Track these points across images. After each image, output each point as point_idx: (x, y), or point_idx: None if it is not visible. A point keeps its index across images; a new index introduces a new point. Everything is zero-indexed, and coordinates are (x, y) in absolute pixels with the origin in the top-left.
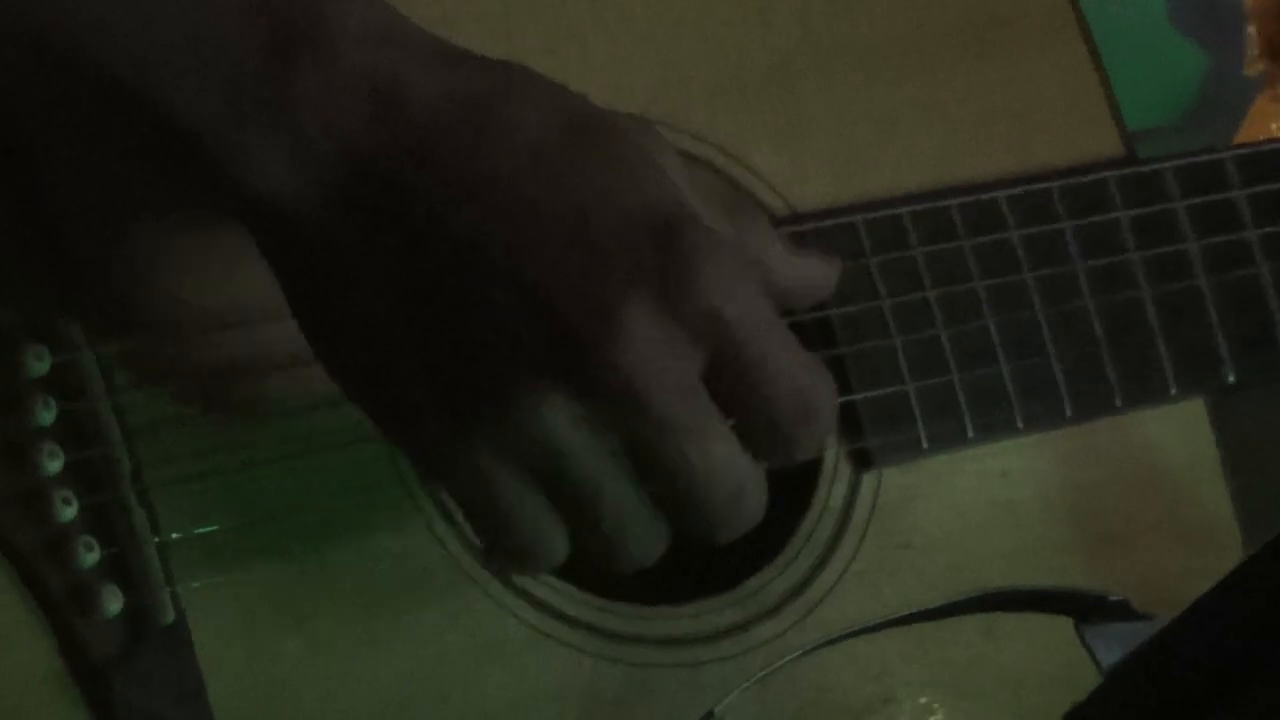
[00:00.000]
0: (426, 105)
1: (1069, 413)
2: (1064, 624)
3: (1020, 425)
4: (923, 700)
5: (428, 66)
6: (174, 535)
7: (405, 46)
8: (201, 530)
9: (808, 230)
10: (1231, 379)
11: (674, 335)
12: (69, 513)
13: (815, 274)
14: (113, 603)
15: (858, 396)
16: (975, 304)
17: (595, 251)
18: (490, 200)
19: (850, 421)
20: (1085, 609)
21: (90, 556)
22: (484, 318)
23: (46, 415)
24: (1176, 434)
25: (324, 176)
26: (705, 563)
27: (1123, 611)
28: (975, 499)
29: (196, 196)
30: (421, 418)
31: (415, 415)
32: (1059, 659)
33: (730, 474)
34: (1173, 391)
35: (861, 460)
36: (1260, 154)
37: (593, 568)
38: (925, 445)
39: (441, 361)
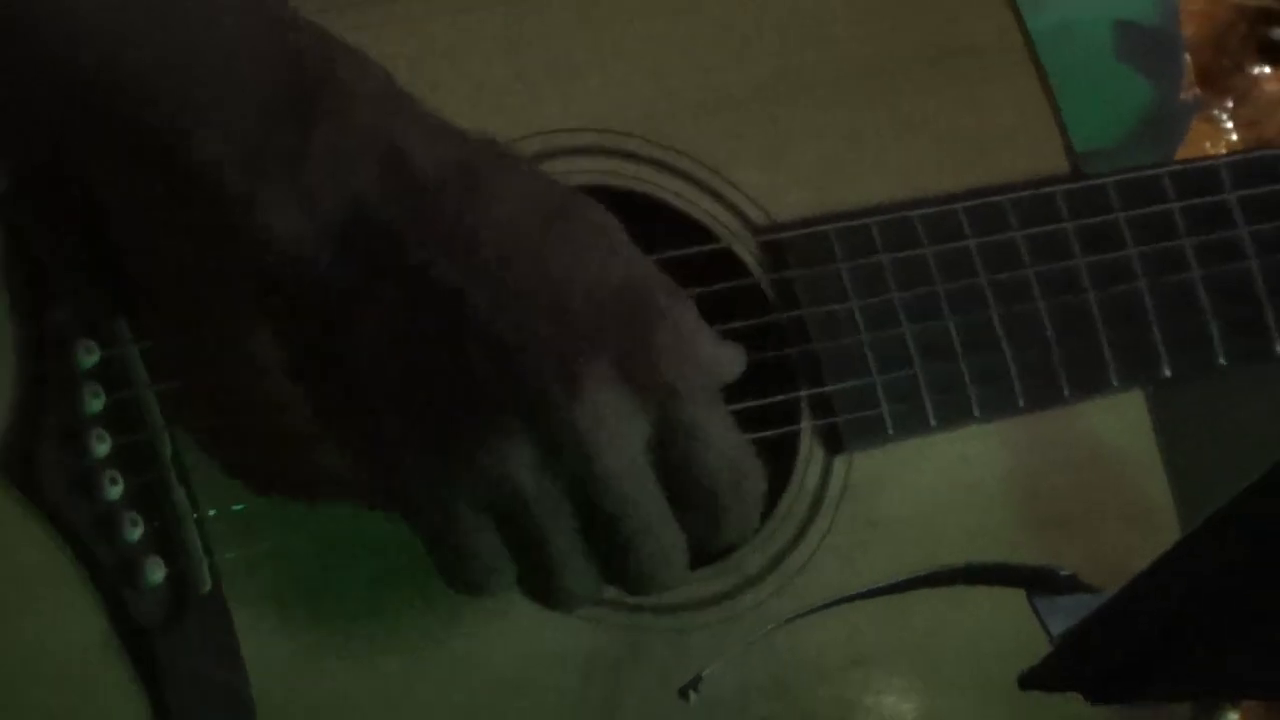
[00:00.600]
0: (425, 170)
1: (1022, 403)
2: (1018, 595)
3: (977, 414)
4: (887, 660)
5: (428, 136)
6: (211, 512)
7: (409, 116)
8: (236, 507)
9: (785, 239)
10: (1168, 373)
11: (627, 402)
12: (116, 491)
13: (729, 356)
14: (156, 573)
15: (830, 388)
16: (936, 305)
17: (564, 320)
18: (474, 261)
19: (823, 410)
20: (1037, 582)
21: (135, 531)
22: (461, 369)
23: (96, 403)
24: (1119, 424)
25: (329, 224)
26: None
27: (1071, 585)
28: (937, 481)
29: (209, 233)
30: (397, 457)
31: (391, 455)
32: (1013, 627)
33: (657, 535)
34: (1115, 383)
35: (833, 445)
36: (1192, 170)
37: (530, 600)
38: (891, 432)
39: (420, 406)
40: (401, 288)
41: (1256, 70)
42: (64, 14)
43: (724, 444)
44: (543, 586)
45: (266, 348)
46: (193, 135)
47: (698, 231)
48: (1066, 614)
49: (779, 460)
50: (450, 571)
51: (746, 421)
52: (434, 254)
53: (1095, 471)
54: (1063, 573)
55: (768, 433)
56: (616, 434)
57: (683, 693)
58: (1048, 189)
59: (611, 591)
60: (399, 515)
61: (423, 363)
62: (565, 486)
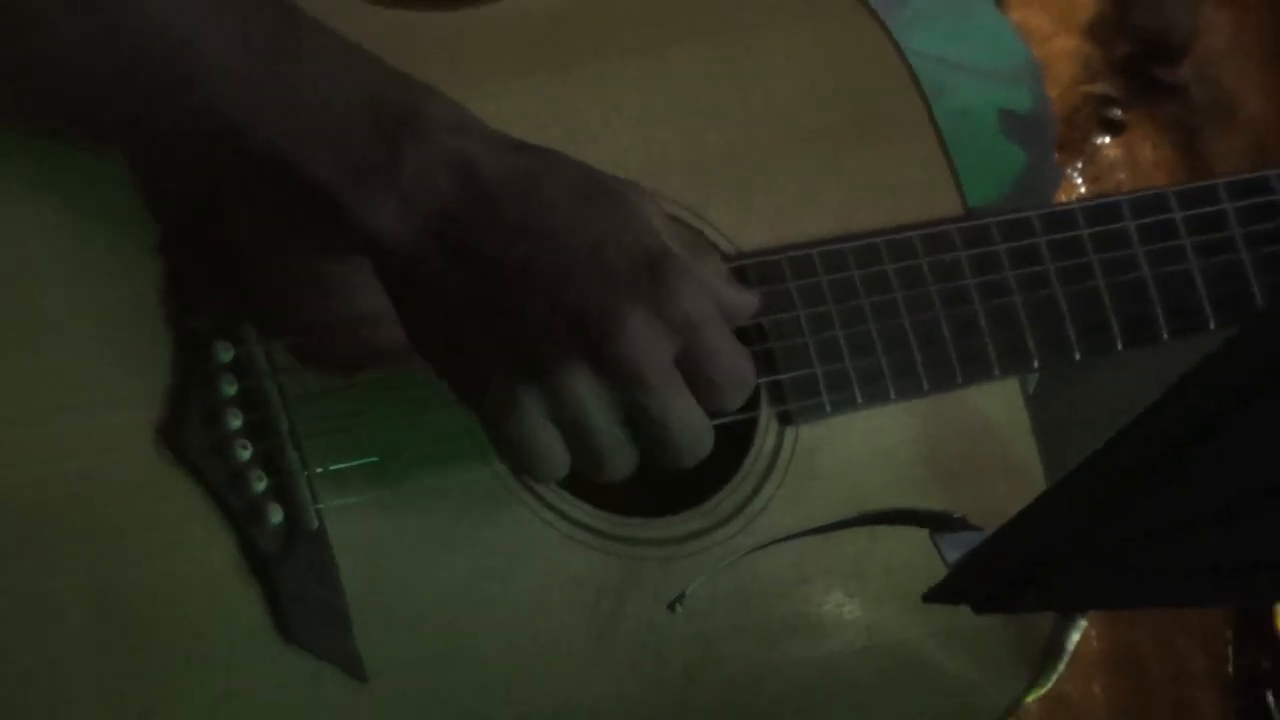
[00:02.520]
0: (491, 177)
1: (926, 388)
2: (923, 533)
3: (893, 396)
4: (825, 580)
5: (491, 150)
6: (318, 470)
7: (476, 135)
8: (336, 467)
9: (748, 264)
10: (1036, 365)
11: (659, 331)
12: (245, 455)
13: (746, 300)
14: (275, 515)
15: (783, 376)
16: (862, 314)
17: (607, 275)
18: (536, 240)
19: (777, 392)
20: (937, 523)
21: (260, 484)
22: (532, 317)
23: (229, 389)
24: (999, 402)
25: (421, 223)
26: (678, 489)
27: (962, 525)
28: (863, 446)
29: (327, 239)
30: (486, 382)
31: (482, 380)
32: (920, 556)
33: (690, 423)
34: (996, 373)
35: (785, 419)
36: (1055, 213)
37: (584, 479)
38: (828, 410)
39: (502, 345)
40: (482, 264)
41: (1098, 140)
42: (208, 83)
43: (731, 359)
44: (595, 470)
45: (379, 313)
46: (312, 165)
47: None
48: (959, 547)
49: (744, 429)
50: (521, 467)
51: None
52: (505, 239)
53: (981, 439)
54: (956, 516)
55: (736, 416)
56: (651, 353)
57: (670, 606)
58: (946, 226)
59: (619, 529)
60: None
61: (502, 315)
62: (615, 394)
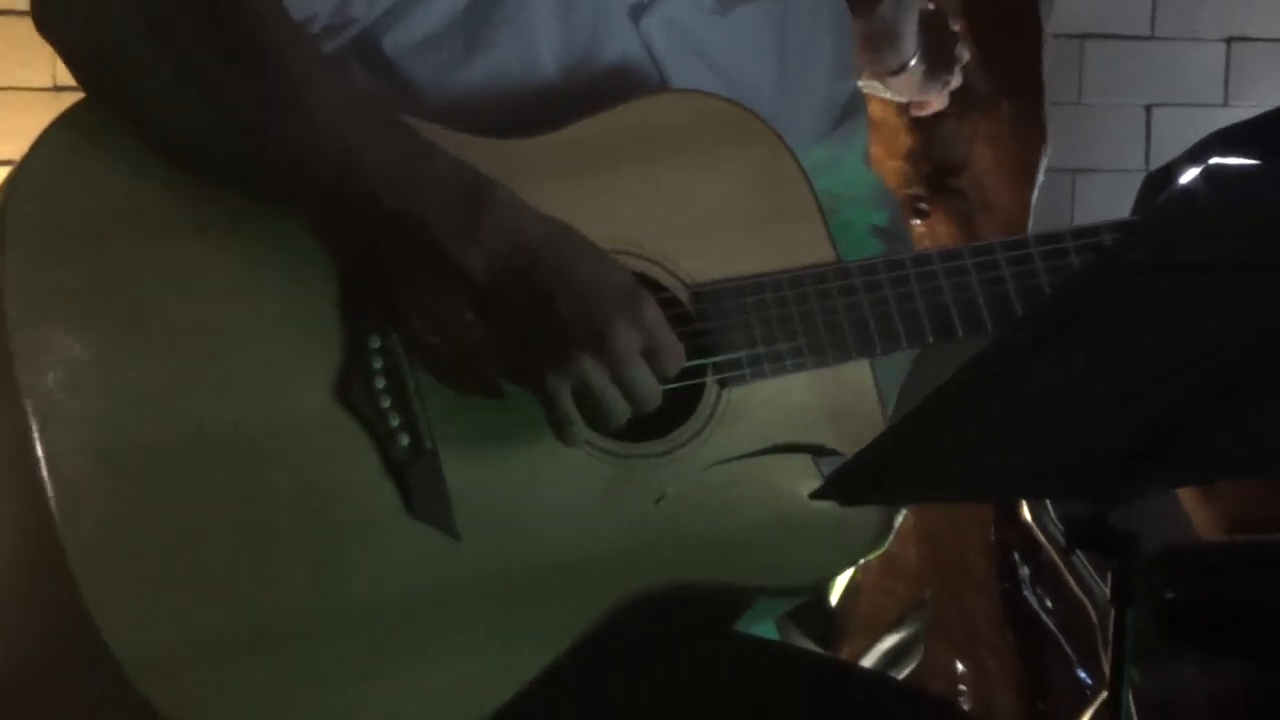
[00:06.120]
0: (535, 238)
1: (809, 365)
2: (808, 456)
3: (790, 369)
4: (748, 482)
5: (535, 221)
6: (432, 412)
7: (526, 211)
8: (444, 411)
9: (702, 290)
10: (879, 351)
11: (635, 334)
12: (386, 404)
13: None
14: (404, 439)
15: (720, 358)
16: (771, 321)
17: (605, 299)
18: (561, 278)
19: (716, 367)
20: (818, 451)
21: (395, 421)
22: (560, 323)
23: (378, 364)
24: (858, 374)
25: (496, 269)
26: (656, 426)
27: (833, 452)
28: (774, 400)
29: (435, 277)
30: (530, 364)
31: (525, 363)
32: (807, 470)
33: (650, 389)
34: (853, 356)
35: (722, 384)
36: (892, 259)
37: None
38: (748, 378)
39: (544, 346)
40: (530, 293)
41: (913, 222)
42: (364, 175)
43: (674, 348)
44: (603, 421)
45: (470, 318)
46: (427, 229)
47: (661, 289)
48: (831, 465)
49: (696, 390)
50: (556, 427)
51: (682, 373)
52: (544, 277)
53: (846, 397)
54: (829, 447)
55: (692, 381)
56: (629, 350)
57: (657, 501)
58: (824, 268)
59: (621, 449)
60: (532, 393)
61: (543, 326)
62: (609, 373)
